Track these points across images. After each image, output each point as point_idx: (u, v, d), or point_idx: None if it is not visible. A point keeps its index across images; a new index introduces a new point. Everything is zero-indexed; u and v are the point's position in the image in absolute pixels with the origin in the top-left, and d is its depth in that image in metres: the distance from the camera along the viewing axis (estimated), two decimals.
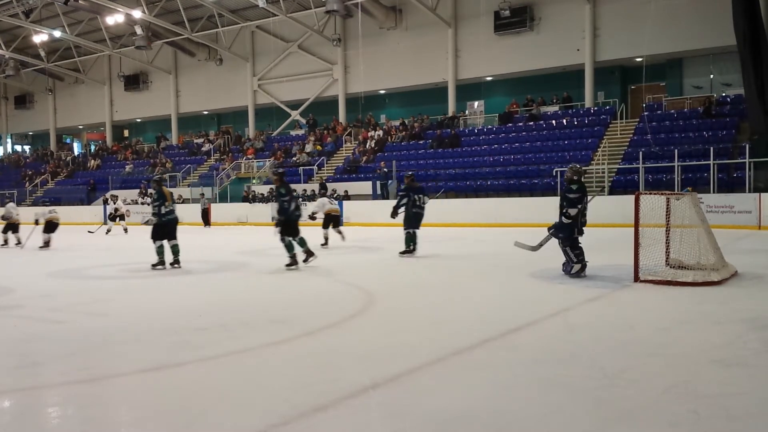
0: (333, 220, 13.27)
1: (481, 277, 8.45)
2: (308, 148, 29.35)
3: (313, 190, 24.82)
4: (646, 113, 22.27)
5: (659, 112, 22.81)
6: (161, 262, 9.54)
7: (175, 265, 9.58)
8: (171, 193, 9.83)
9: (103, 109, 38.86)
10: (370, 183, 23.44)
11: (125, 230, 19.41)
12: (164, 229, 9.56)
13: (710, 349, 4.29)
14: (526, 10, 25.20)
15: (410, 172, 11.66)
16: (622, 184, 19.31)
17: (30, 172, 38.49)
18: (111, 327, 5.42)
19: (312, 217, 13.25)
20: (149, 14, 29.01)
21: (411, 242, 10.92)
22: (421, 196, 11.07)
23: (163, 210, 9.47)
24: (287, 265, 9.20)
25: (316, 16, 28.72)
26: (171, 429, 3.09)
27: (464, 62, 27.08)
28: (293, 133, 32.43)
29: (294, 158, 28.93)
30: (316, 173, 27.09)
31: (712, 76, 23.91)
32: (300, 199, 9.88)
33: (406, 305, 6.35)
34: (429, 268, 9.55)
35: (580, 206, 7.75)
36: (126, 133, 41.37)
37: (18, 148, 47.18)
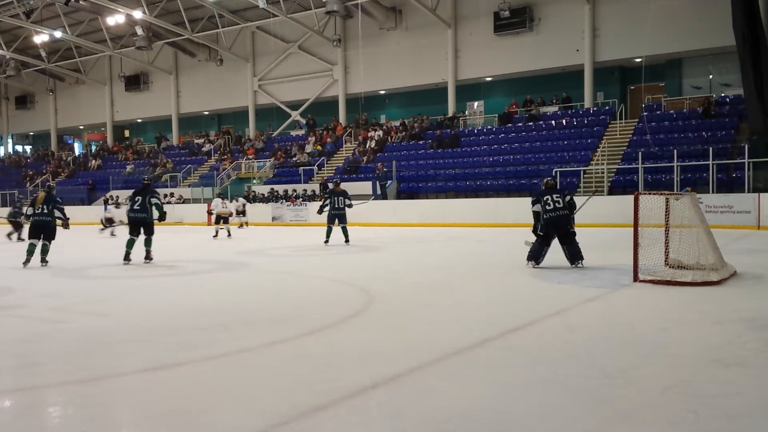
0: (223, 219, 17.26)
1: (481, 277, 8.45)
2: (308, 148, 29.36)
3: (314, 191, 24.84)
4: (645, 113, 22.27)
5: (658, 112, 22.81)
6: (27, 261, 10.37)
7: (43, 264, 10.47)
8: (43, 197, 10.92)
9: (104, 110, 38.87)
10: (369, 183, 23.45)
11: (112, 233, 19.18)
12: (35, 230, 10.70)
13: (709, 349, 4.29)
14: (526, 10, 25.20)
15: (337, 179, 15.99)
16: (622, 185, 19.32)
17: (31, 173, 38.49)
18: (111, 327, 5.43)
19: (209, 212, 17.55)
20: (150, 15, 29.02)
21: (328, 235, 13.63)
22: (342, 198, 13.60)
23: (30, 212, 10.85)
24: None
25: (316, 16, 28.73)
26: (171, 429, 3.09)
27: (464, 63, 27.09)
28: (293, 133, 32.44)
29: (294, 158, 28.94)
30: (316, 173, 27.10)
31: (711, 76, 23.91)
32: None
33: (406, 305, 6.35)
34: (429, 268, 9.56)
35: (534, 209, 8.84)
36: (127, 133, 41.38)
37: (19, 148, 47.18)
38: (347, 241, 13.67)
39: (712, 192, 17.29)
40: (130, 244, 10.55)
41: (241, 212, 21.83)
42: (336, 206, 13.62)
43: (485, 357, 4.27)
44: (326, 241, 13.54)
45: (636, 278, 7.16)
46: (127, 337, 5.00)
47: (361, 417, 3.20)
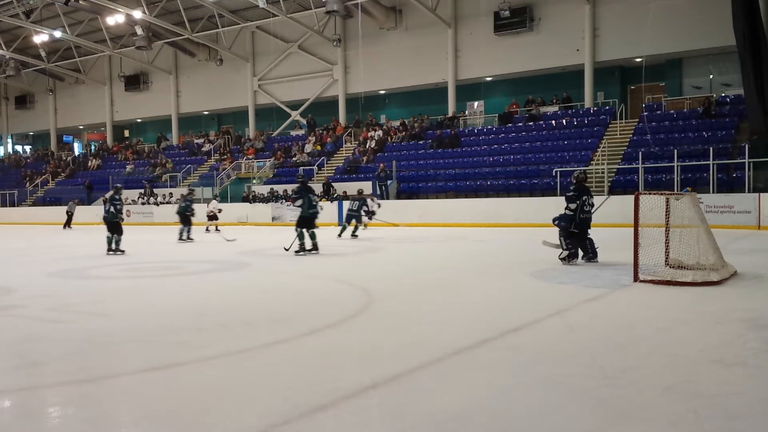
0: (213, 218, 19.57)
1: (481, 277, 8.45)
2: (308, 148, 29.36)
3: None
4: (645, 113, 22.26)
5: (659, 112, 22.80)
6: None
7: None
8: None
9: (104, 110, 38.87)
10: (370, 183, 23.45)
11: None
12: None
13: (710, 349, 4.29)
14: (526, 10, 25.19)
15: (361, 189, 18.00)
16: (622, 184, 19.31)
17: (30, 172, 38.50)
18: (111, 327, 5.43)
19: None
20: (150, 15, 29.02)
21: (342, 230, 14.98)
22: (359, 203, 15.48)
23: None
24: (296, 251, 11.32)
25: (316, 16, 28.73)
26: (171, 429, 3.09)
27: (464, 62, 27.09)
28: (293, 133, 32.44)
29: (294, 158, 28.94)
30: (316, 173, 27.10)
31: (711, 76, 23.91)
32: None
33: (406, 305, 6.35)
34: (429, 268, 9.56)
35: (578, 202, 8.92)
36: (126, 133, 41.37)
37: (18, 148, 47.18)
38: (342, 236, 15.76)
39: (713, 192, 17.29)
40: (312, 235, 11.56)
41: (212, 216, 20.28)
42: (351, 208, 16.22)
43: (485, 357, 4.27)
44: (339, 235, 15.81)
45: (636, 278, 7.16)
46: (127, 337, 5.00)
47: (361, 417, 3.20)
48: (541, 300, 6.42)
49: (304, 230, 11.45)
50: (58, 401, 3.65)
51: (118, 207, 12.50)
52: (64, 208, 26.12)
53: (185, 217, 15.96)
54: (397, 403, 3.32)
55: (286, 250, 11.52)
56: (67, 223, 24.90)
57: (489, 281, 8.00)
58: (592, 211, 9.21)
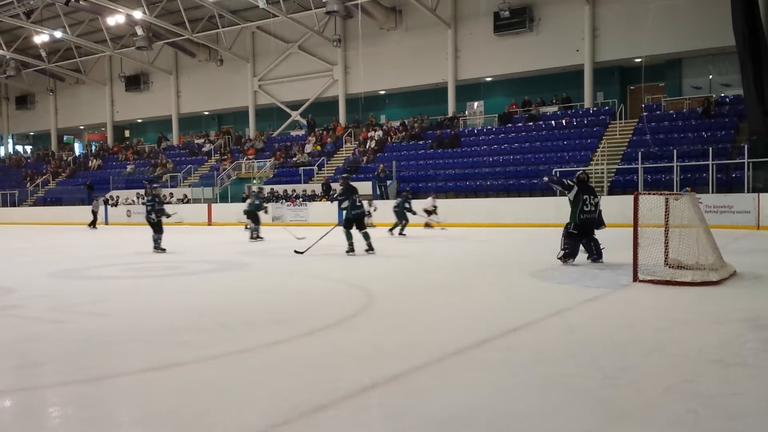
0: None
1: (481, 277, 8.45)
2: (308, 148, 29.37)
3: (314, 191, 24.85)
4: (645, 113, 22.27)
5: (658, 112, 22.81)
6: None
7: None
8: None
9: (104, 110, 38.88)
10: (370, 183, 23.45)
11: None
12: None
13: (710, 349, 4.29)
14: (526, 10, 25.21)
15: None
16: (621, 185, 19.32)
17: (31, 173, 38.50)
18: (111, 327, 5.43)
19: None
20: (150, 15, 29.03)
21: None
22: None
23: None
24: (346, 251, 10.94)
25: (316, 16, 28.73)
26: (171, 429, 3.09)
27: (464, 63, 27.10)
28: (293, 133, 32.45)
29: (294, 158, 28.94)
30: (317, 173, 27.10)
31: (711, 76, 23.92)
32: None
33: (406, 305, 6.35)
34: (429, 268, 9.56)
35: (569, 195, 8.96)
36: (127, 133, 41.39)
37: (19, 148, 47.19)
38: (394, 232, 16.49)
39: (712, 192, 17.29)
40: (365, 236, 11.15)
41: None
42: (394, 206, 16.67)
43: (485, 357, 4.27)
44: (390, 231, 16.37)
45: (636, 278, 7.16)
46: (127, 337, 5.00)
47: (361, 417, 3.20)
48: (541, 300, 6.42)
49: (351, 230, 11.12)
50: (58, 401, 3.65)
51: (149, 208, 12.87)
52: (65, 208, 26.14)
53: (255, 216, 15.82)
54: (397, 403, 3.32)
55: (300, 253, 11.19)
56: (93, 223, 24.85)
57: (489, 281, 8.00)
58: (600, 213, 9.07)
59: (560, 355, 4.23)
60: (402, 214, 16.26)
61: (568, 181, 9.15)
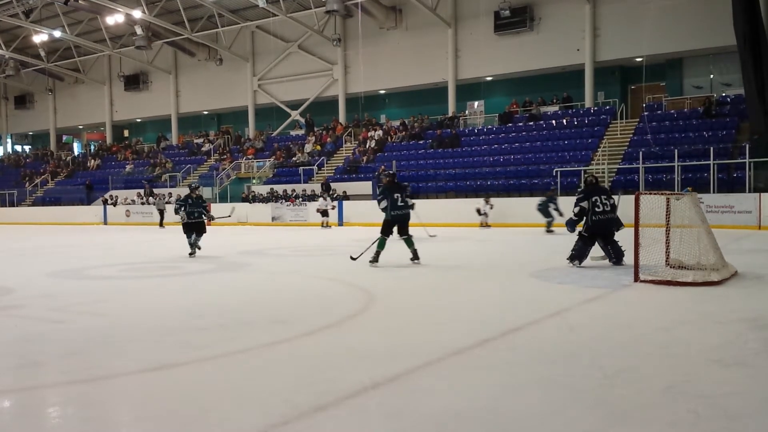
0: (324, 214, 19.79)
1: (481, 277, 8.45)
2: (308, 148, 29.36)
3: (313, 190, 24.84)
4: (646, 113, 22.27)
5: (659, 112, 22.80)
6: None
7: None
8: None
9: (103, 109, 38.87)
10: (370, 183, 23.45)
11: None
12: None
13: (710, 349, 4.29)
14: (526, 10, 25.20)
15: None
16: (622, 184, 19.30)
17: (30, 172, 38.49)
18: (111, 327, 5.42)
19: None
20: (149, 14, 29.02)
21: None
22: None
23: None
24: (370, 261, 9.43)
25: (316, 16, 28.72)
26: (171, 429, 3.09)
27: (464, 62, 27.09)
28: (293, 133, 32.43)
29: (294, 158, 28.93)
30: (316, 173, 27.09)
31: (712, 76, 23.91)
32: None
33: (406, 305, 6.35)
34: (429, 268, 9.54)
35: (582, 204, 8.62)
36: (126, 133, 41.37)
37: (18, 148, 47.18)
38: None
39: (713, 192, 17.29)
40: (408, 242, 9.61)
41: (324, 212, 22.06)
42: (538, 204, 16.38)
43: (485, 357, 4.27)
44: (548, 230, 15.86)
45: (636, 278, 7.16)
46: (126, 337, 5.00)
47: (361, 417, 3.20)
48: (541, 300, 6.41)
49: (386, 237, 9.46)
50: (58, 401, 3.65)
51: (199, 210, 11.83)
52: (64, 208, 26.12)
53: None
54: (397, 403, 3.31)
55: (353, 259, 9.68)
56: (161, 222, 25.22)
57: (489, 281, 8.00)
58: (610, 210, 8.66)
59: (560, 355, 4.23)
60: (546, 213, 16.13)
61: (577, 206, 8.68)
